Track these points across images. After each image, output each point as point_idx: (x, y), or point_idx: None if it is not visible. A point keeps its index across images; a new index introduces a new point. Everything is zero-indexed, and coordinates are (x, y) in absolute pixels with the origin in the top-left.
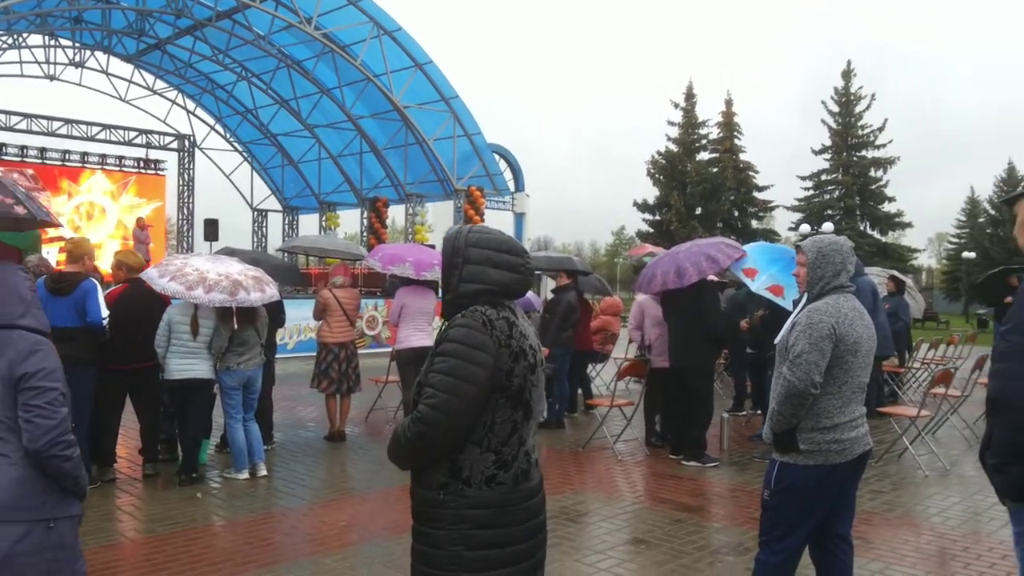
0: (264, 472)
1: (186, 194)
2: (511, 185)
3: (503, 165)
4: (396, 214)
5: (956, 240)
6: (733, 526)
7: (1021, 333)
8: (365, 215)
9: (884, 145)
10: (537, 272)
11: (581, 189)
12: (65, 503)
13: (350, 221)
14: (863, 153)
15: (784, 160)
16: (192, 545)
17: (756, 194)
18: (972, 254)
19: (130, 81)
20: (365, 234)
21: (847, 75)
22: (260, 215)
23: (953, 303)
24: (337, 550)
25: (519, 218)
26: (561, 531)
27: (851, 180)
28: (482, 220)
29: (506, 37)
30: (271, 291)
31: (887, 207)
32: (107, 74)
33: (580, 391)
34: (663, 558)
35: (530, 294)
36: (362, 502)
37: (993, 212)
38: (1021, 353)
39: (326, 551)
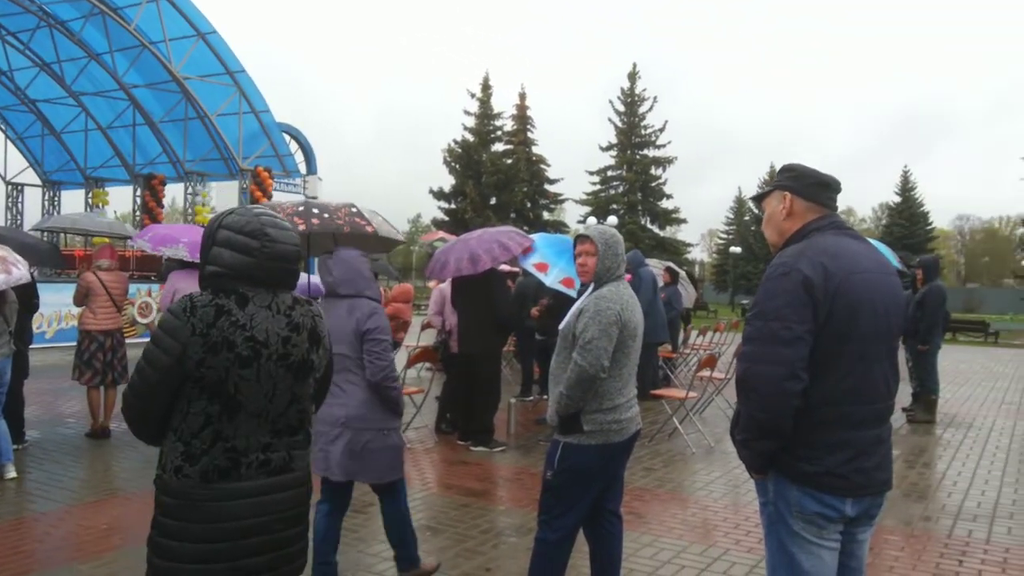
0: (13, 474)
1: None
2: (302, 167)
3: (294, 146)
4: (175, 193)
5: (725, 236)
6: (517, 508)
7: (763, 318)
8: (139, 193)
9: (664, 145)
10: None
11: (378, 175)
12: (393, 419)
13: (121, 199)
14: (645, 152)
15: (578, 155)
16: None
17: (548, 187)
18: (738, 249)
19: None
20: (139, 214)
21: (632, 77)
22: (15, 190)
23: (721, 293)
24: (97, 555)
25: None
26: (347, 523)
27: (634, 177)
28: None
29: (303, 11)
30: (19, 272)
31: (665, 203)
32: None
33: None
34: (448, 543)
35: (317, 280)
36: (127, 503)
37: (756, 211)
38: (763, 337)
39: (84, 557)
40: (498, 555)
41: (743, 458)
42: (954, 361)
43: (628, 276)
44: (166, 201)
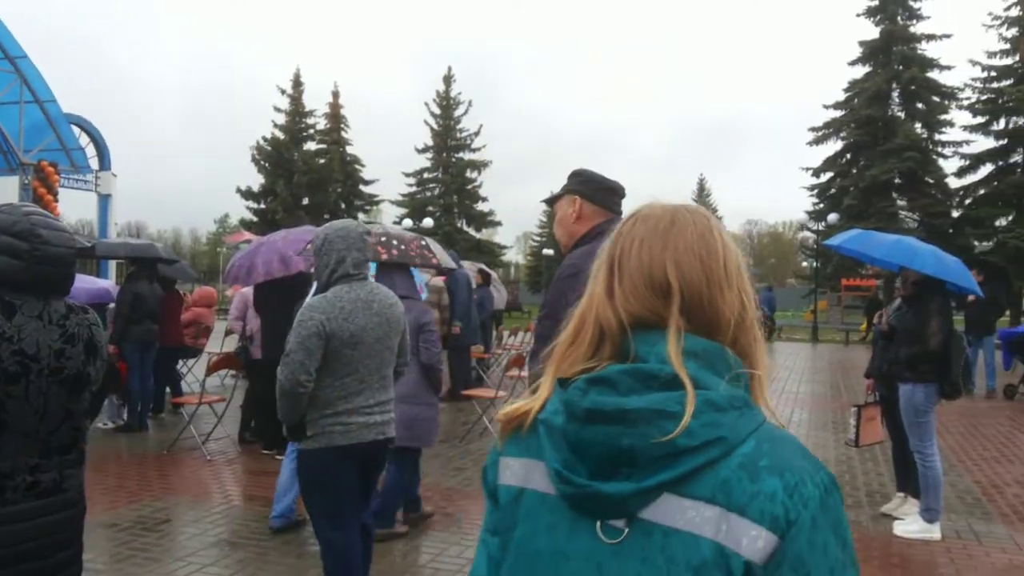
0: None
1: None
2: (94, 162)
3: (85, 139)
4: None
5: (538, 238)
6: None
7: (553, 318)
8: None
9: (479, 149)
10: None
11: (183, 171)
12: (435, 396)
13: None
14: (461, 155)
15: (394, 156)
16: None
17: (363, 187)
18: (551, 251)
19: None
20: None
21: (448, 80)
22: None
23: (536, 294)
24: None
25: (104, 200)
26: (136, 543)
27: (450, 179)
28: (56, 200)
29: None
30: None
31: (481, 206)
32: None
33: (168, 389)
34: (249, 556)
35: (107, 284)
36: None
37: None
38: (552, 337)
39: None
40: (303, 565)
41: None
42: None
43: (443, 277)
44: None
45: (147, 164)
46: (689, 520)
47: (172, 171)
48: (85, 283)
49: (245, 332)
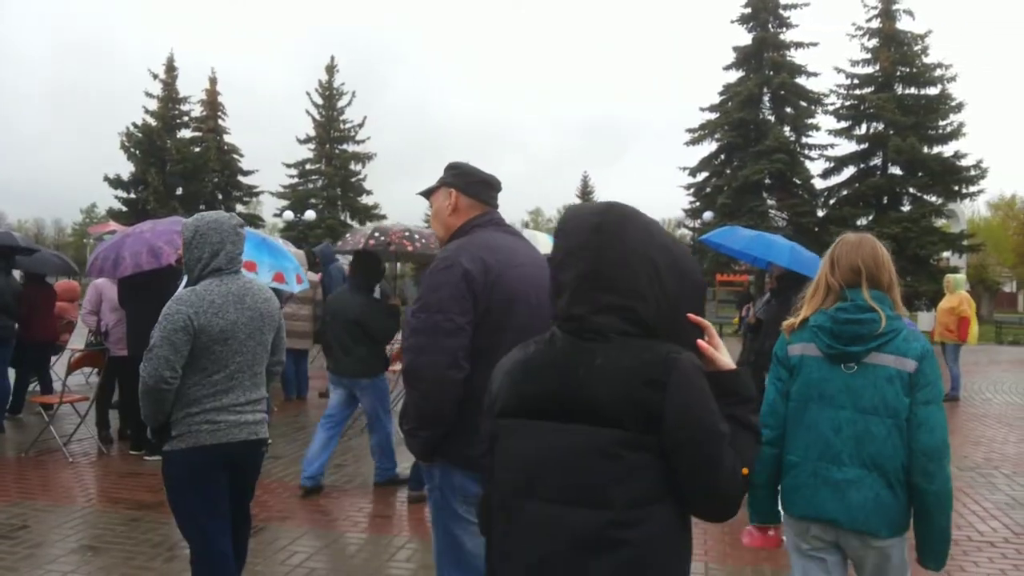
0: None
1: None
2: None
3: None
4: None
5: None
6: None
7: (427, 311)
8: None
9: (363, 141)
10: None
11: (46, 159)
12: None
13: None
14: (344, 147)
15: (274, 146)
16: None
17: (241, 178)
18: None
19: None
20: None
21: (331, 70)
22: None
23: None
24: None
25: None
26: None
27: (333, 171)
28: None
29: None
30: None
31: (365, 199)
32: None
33: (39, 387)
34: (114, 561)
35: None
36: None
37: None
38: (427, 329)
39: None
40: (172, 570)
41: (410, 447)
42: None
43: (319, 275)
44: None
45: (6, 149)
46: (883, 361)
47: (34, 157)
48: None
49: (99, 327)
